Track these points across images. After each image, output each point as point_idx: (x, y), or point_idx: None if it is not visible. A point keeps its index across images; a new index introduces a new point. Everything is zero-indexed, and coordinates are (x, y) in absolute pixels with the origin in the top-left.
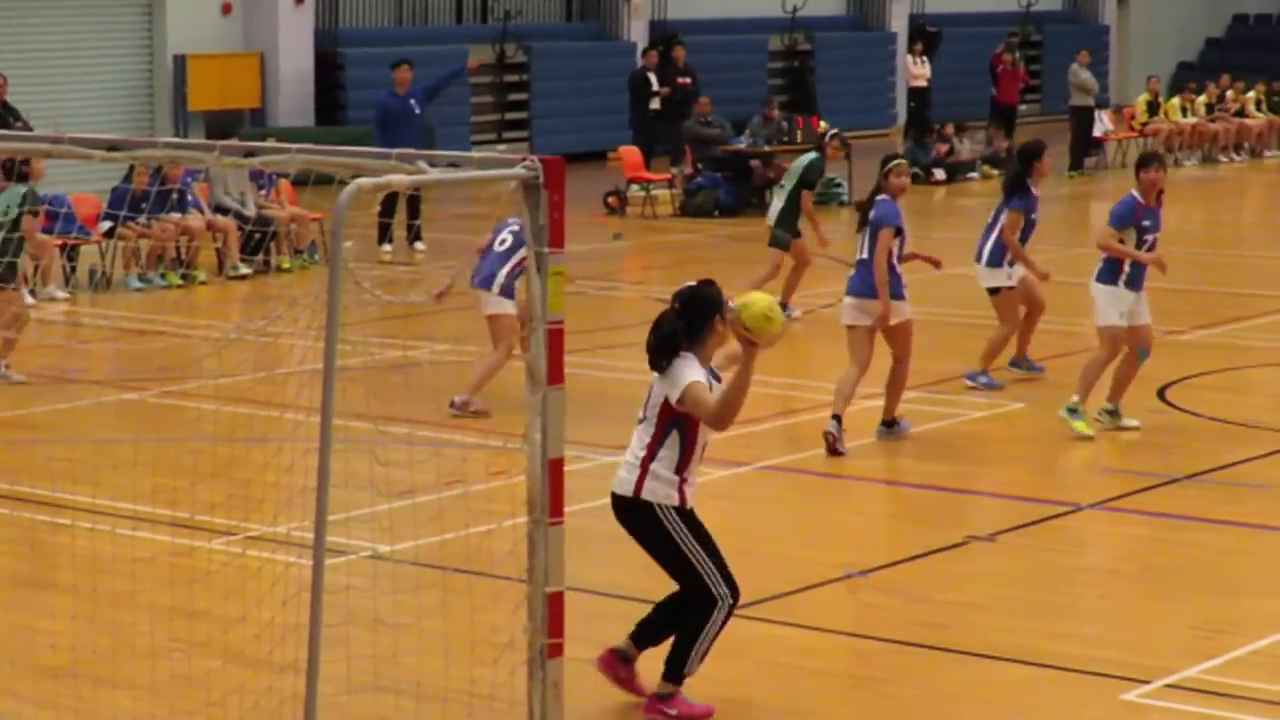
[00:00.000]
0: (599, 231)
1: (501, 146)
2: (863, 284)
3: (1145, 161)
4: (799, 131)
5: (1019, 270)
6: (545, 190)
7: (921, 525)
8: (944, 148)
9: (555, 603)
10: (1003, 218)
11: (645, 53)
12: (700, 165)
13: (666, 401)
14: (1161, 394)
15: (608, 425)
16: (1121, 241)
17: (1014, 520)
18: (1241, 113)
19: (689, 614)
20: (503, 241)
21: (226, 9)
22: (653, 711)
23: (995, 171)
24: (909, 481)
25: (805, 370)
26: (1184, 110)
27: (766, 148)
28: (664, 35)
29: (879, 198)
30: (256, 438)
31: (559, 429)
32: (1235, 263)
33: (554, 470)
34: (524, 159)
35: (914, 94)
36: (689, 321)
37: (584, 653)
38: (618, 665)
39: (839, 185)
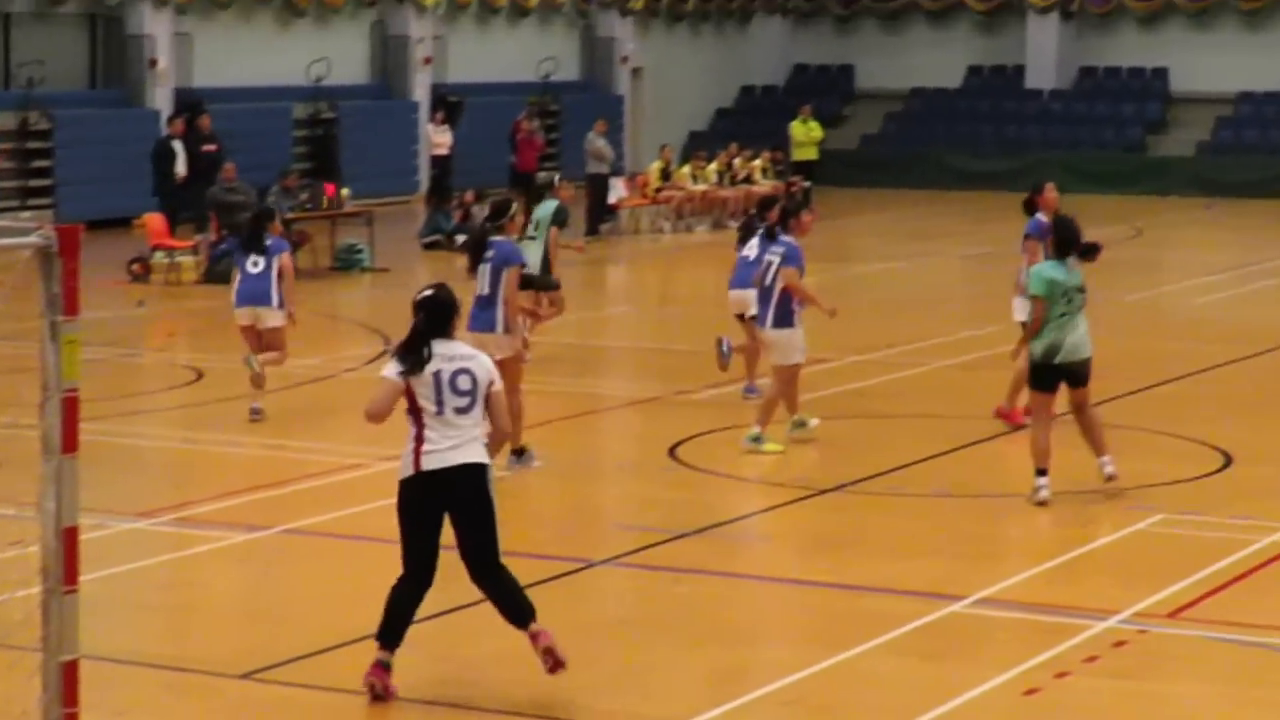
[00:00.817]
0: (122, 298)
1: (26, 214)
2: (482, 321)
3: (802, 205)
4: (326, 199)
5: None
6: (60, 258)
7: (442, 584)
8: (462, 214)
9: (70, 672)
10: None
11: (170, 120)
12: (225, 232)
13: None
14: (672, 451)
15: (126, 491)
16: None
17: (531, 577)
18: (749, 179)
19: (500, 573)
20: (255, 264)
21: None
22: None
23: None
24: None
25: (325, 433)
26: (694, 177)
27: (290, 215)
28: (189, 102)
29: (495, 239)
30: None
31: (73, 497)
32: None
33: (68, 538)
34: (39, 227)
35: (436, 161)
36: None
37: None
38: (385, 676)
39: (360, 251)
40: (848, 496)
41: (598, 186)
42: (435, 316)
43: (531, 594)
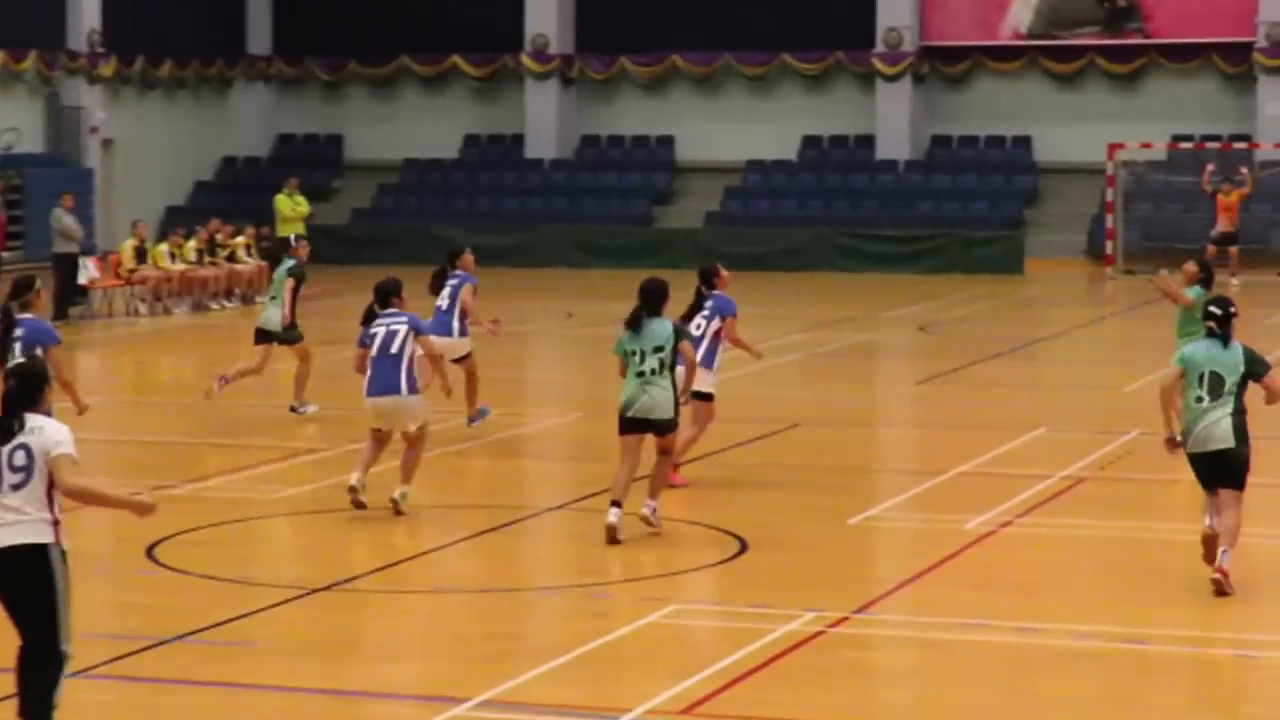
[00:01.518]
0: None
1: None
2: None
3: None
4: None
5: None
6: None
7: None
8: None
9: None
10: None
11: None
12: None
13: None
14: (150, 552)
15: None
16: None
17: None
18: (232, 258)
19: (44, 669)
20: None
21: None
22: None
23: None
24: None
25: None
26: (172, 256)
27: None
28: None
29: (23, 318)
30: None
31: None
32: (209, 413)
33: None
34: None
35: None
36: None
37: None
38: None
39: None
40: (341, 596)
41: (66, 266)
42: (27, 385)
43: None
